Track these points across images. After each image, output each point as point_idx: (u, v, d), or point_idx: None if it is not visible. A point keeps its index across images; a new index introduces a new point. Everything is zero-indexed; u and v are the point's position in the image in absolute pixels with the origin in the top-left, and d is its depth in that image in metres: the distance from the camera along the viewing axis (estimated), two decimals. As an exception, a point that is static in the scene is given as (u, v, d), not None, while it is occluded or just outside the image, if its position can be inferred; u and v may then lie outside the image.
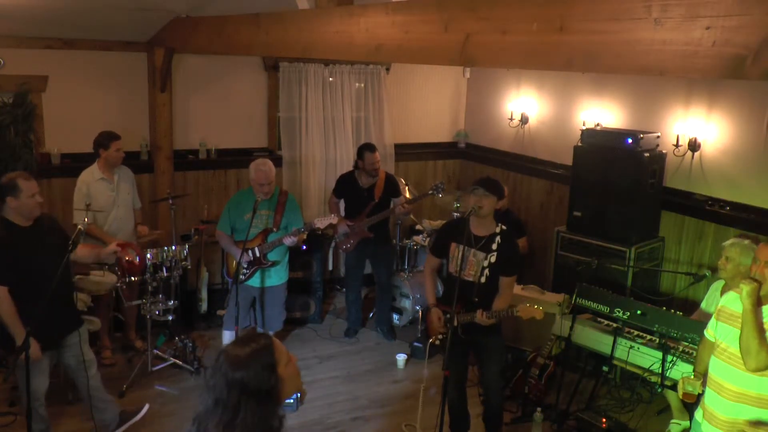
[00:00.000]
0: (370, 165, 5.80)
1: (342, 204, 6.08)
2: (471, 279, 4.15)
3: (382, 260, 6.13)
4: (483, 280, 4.13)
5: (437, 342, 4.16)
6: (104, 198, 5.31)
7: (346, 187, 6.00)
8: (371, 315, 6.46)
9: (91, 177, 5.31)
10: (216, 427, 1.84)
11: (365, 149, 5.87)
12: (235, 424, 1.83)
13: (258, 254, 5.06)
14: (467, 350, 4.30)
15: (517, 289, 5.44)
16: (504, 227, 4.21)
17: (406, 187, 6.82)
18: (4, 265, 3.79)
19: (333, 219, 5.21)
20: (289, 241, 5.02)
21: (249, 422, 1.84)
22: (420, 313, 6.18)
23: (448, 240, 4.25)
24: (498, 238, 4.13)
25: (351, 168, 6.08)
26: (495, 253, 4.10)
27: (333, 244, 6.36)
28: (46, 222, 4.04)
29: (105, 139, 5.29)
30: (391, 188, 5.99)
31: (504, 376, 4.63)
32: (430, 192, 5.89)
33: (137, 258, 4.78)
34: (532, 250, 6.61)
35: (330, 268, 6.79)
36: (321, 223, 5.13)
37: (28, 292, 3.78)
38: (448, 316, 4.08)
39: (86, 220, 4.37)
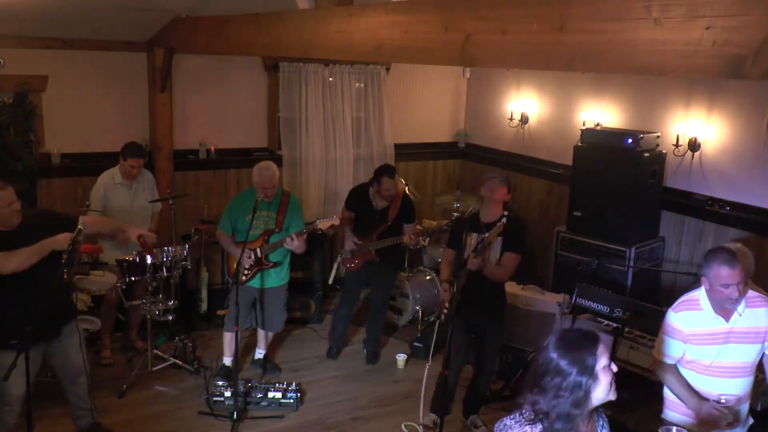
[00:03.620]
0: (386, 191, 5.36)
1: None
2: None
3: (382, 282, 5.77)
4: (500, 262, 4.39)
5: (442, 317, 4.47)
6: (120, 202, 5.37)
7: (358, 202, 5.58)
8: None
9: (110, 180, 5.37)
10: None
11: (384, 173, 5.37)
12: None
13: (260, 255, 5.05)
14: (470, 335, 4.51)
15: (518, 288, 5.45)
16: (510, 213, 4.42)
17: (407, 188, 6.81)
18: None
19: (335, 220, 5.11)
20: (292, 245, 4.97)
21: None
22: (420, 313, 6.18)
23: (462, 231, 4.45)
24: (504, 219, 4.31)
25: (355, 176, 5.88)
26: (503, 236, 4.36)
27: (338, 258, 6.00)
28: (38, 221, 3.90)
29: (124, 151, 5.34)
30: (406, 212, 5.59)
31: (498, 358, 4.94)
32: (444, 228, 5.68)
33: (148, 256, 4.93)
34: (532, 249, 6.60)
35: (331, 281, 6.48)
36: (323, 225, 5.08)
37: (14, 290, 3.70)
38: (455, 289, 4.21)
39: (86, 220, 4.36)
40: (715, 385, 3.18)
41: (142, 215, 5.50)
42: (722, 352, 3.15)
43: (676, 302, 3.26)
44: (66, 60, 5.99)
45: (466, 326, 4.43)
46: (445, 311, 4.44)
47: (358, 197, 5.62)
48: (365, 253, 5.55)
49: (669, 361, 3.21)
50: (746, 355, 3.18)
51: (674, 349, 3.19)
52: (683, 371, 3.26)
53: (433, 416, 4.64)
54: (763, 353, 3.23)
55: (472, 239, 4.38)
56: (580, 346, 2.18)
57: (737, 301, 3.07)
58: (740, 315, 3.13)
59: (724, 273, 2.99)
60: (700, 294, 3.18)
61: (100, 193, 5.32)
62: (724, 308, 3.11)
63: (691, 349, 3.17)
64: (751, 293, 3.19)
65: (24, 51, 5.79)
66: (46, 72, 5.92)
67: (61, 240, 3.77)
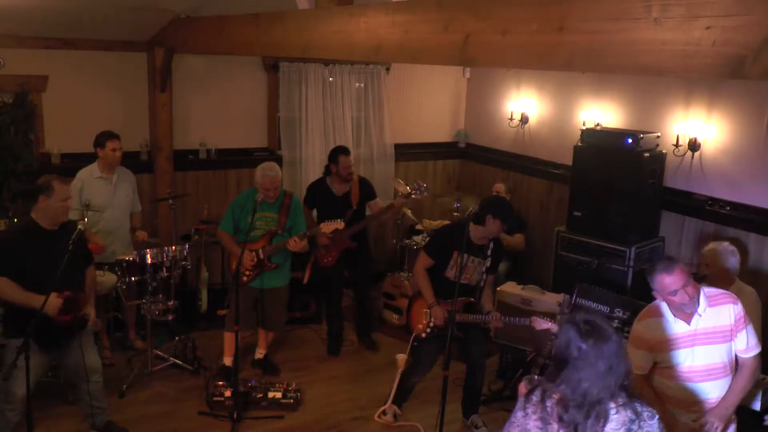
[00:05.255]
0: (344, 169, 5.50)
1: (314, 214, 5.77)
2: (466, 282, 4.49)
3: (360, 270, 5.87)
4: (482, 284, 4.58)
5: (424, 335, 4.56)
6: (100, 196, 5.29)
7: (318, 195, 5.66)
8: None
9: (88, 174, 5.30)
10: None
11: (340, 152, 5.57)
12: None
13: (261, 256, 5.04)
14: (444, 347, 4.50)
15: (518, 288, 5.45)
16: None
17: (407, 188, 6.79)
18: (8, 260, 3.81)
19: (340, 224, 5.07)
20: (296, 247, 4.96)
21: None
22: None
23: (451, 247, 4.50)
24: (492, 244, 4.53)
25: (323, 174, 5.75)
26: (490, 258, 4.53)
27: (311, 259, 5.76)
28: (70, 226, 4.01)
29: (102, 138, 5.29)
30: (366, 192, 5.71)
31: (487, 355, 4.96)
32: (412, 194, 5.48)
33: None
34: (532, 249, 6.60)
35: (305, 281, 6.10)
36: (327, 228, 5.06)
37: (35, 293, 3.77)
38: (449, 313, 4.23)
39: (86, 220, 4.37)
40: (693, 389, 3.13)
41: (122, 210, 5.44)
42: (690, 355, 3.10)
43: (641, 311, 3.26)
44: (66, 60, 5.99)
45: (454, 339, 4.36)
46: (428, 330, 4.54)
47: (316, 191, 5.70)
48: (340, 243, 5.55)
49: (638, 371, 3.13)
50: (717, 356, 3.11)
51: (641, 359, 3.15)
52: (660, 380, 3.21)
53: (395, 407, 4.84)
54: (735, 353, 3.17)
55: (461, 259, 4.34)
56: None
57: (692, 303, 3.04)
58: (700, 316, 3.09)
59: (666, 281, 2.99)
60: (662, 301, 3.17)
61: (77, 187, 5.21)
62: (683, 312, 3.08)
63: (660, 357, 3.15)
64: (713, 291, 3.14)
65: (24, 51, 5.79)
66: (46, 72, 5.91)
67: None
